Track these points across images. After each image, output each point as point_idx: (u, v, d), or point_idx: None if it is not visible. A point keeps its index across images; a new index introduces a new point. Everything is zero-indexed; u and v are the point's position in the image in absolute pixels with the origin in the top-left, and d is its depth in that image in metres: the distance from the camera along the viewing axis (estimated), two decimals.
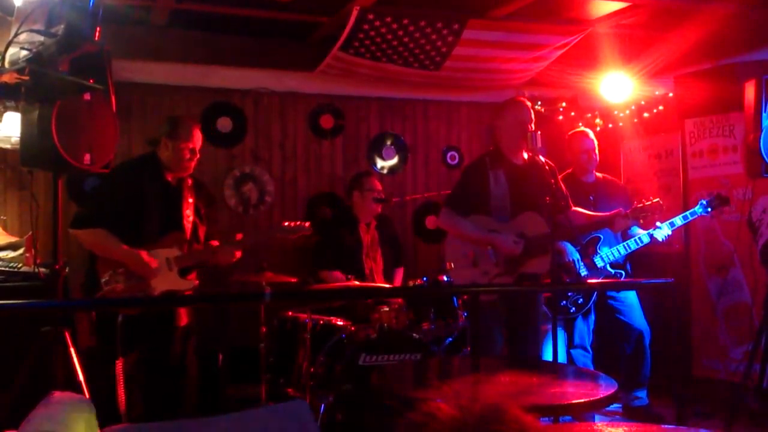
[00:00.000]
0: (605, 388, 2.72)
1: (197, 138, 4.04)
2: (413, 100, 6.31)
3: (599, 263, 4.80)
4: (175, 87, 5.62)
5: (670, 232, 4.74)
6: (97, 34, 2.68)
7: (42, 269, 3.77)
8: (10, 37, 2.78)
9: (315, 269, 5.24)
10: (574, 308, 4.92)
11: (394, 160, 6.27)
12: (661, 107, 5.71)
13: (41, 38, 2.67)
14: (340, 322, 4.59)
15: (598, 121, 6.13)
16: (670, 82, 5.50)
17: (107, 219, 3.79)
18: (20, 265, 4.35)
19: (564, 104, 6.29)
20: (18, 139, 3.57)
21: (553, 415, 3.01)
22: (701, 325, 5.29)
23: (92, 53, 2.83)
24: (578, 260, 4.63)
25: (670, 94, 5.57)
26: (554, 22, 5.18)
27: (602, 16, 5.11)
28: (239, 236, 4.20)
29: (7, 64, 2.78)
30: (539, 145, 3.93)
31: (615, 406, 4.95)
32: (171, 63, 5.50)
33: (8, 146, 4.68)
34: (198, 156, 4.07)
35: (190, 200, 4.05)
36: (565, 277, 4.57)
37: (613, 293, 4.99)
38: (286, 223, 4.26)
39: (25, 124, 2.93)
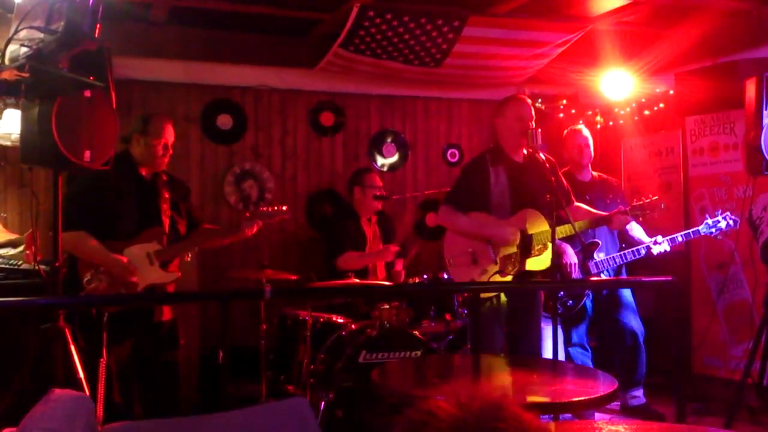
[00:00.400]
0: (605, 386, 2.72)
1: (169, 133, 4.05)
2: (414, 98, 6.30)
3: (594, 269, 4.80)
4: (175, 84, 5.62)
5: (668, 248, 4.75)
6: (97, 31, 2.68)
7: (42, 266, 3.77)
8: (10, 34, 2.78)
9: (331, 261, 5.19)
10: (562, 309, 4.90)
11: (395, 158, 6.27)
12: (661, 105, 5.70)
13: (41, 35, 2.67)
14: (340, 320, 4.59)
15: (598, 118, 6.12)
16: (670, 79, 5.50)
17: (86, 220, 3.77)
18: (20, 263, 4.35)
19: (564, 102, 6.28)
20: (18, 136, 3.57)
21: (553, 413, 3.01)
22: (701, 323, 5.29)
23: (92, 50, 2.83)
24: (576, 264, 4.62)
25: (671, 92, 5.57)
26: (555, 20, 5.17)
27: (603, 14, 5.10)
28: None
29: (7, 61, 2.77)
30: (540, 142, 3.94)
31: (614, 404, 4.95)
32: (171, 60, 5.50)
33: (8, 143, 4.69)
34: (171, 152, 4.08)
35: (166, 195, 4.06)
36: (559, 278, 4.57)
37: (608, 292, 4.98)
38: (264, 208, 4.27)
39: (25, 121, 2.92)
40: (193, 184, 5.60)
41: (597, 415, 4.56)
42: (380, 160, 6.21)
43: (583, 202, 4.80)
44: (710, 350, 5.25)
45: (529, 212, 4.10)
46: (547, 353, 4.70)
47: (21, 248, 4.43)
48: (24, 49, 2.71)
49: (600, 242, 4.81)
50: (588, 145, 5.07)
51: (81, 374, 2.83)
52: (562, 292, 4.78)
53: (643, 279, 5.11)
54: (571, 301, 4.90)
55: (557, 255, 4.17)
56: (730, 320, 5.16)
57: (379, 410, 4.07)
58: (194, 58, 5.56)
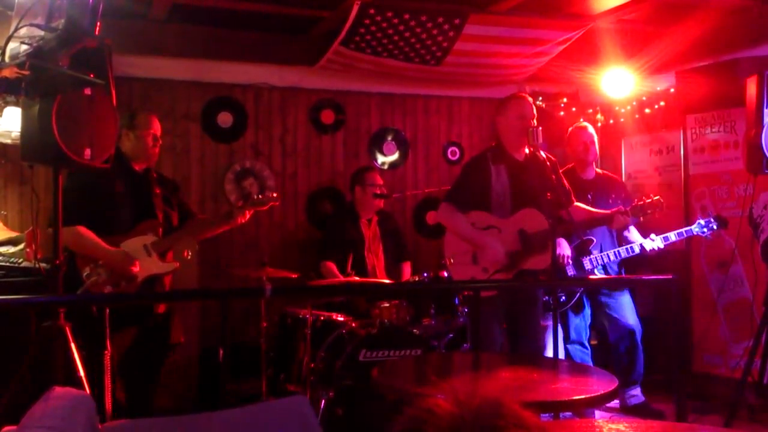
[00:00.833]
0: (605, 385, 2.72)
1: (156, 125, 4.18)
2: (414, 96, 6.30)
3: (587, 265, 4.79)
4: (175, 82, 5.62)
5: (662, 245, 4.74)
6: (97, 28, 2.68)
7: (42, 264, 3.77)
8: (11, 32, 2.77)
9: (317, 260, 5.26)
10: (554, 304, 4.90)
11: (395, 156, 6.26)
12: (662, 103, 5.69)
13: (41, 33, 2.66)
14: (340, 318, 4.59)
15: (599, 116, 6.12)
16: (671, 77, 5.50)
17: (83, 216, 3.82)
18: (21, 261, 4.35)
19: (565, 100, 6.28)
20: (18, 133, 3.58)
21: (553, 411, 3.01)
22: (702, 321, 5.30)
23: (92, 48, 2.83)
24: (569, 257, 4.63)
25: (672, 90, 5.57)
26: (556, 18, 5.16)
27: (604, 12, 5.09)
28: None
29: (7, 59, 2.77)
30: (540, 140, 3.93)
31: (614, 403, 4.95)
32: (171, 58, 5.49)
33: (8, 141, 4.69)
34: (160, 142, 4.21)
35: (157, 191, 4.17)
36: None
37: (606, 291, 4.98)
38: (256, 196, 4.36)
39: (26, 119, 2.92)
40: (193, 181, 5.61)
41: (597, 413, 4.56)
42: (381, 158, 6.21)
43: (585, 200, 4.80)
44: (711, 349, 5.25)
45: (529, 212, 4.10)
46: (548, 351, 4.70)
47: (21, 246, 4.43)
48: (24, 47, 2.71)
49: (594, 239, 4.81)
50: (593, 143, 5.07)
51: (81, 372, 2.83)
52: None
53: (643, 277, 5.11)
54: (564, 297, 4.90)
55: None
56: (731, 319, 5.16)
57: (380, 408, 4.07)
58: (195, 56, 5.55)
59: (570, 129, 5.26)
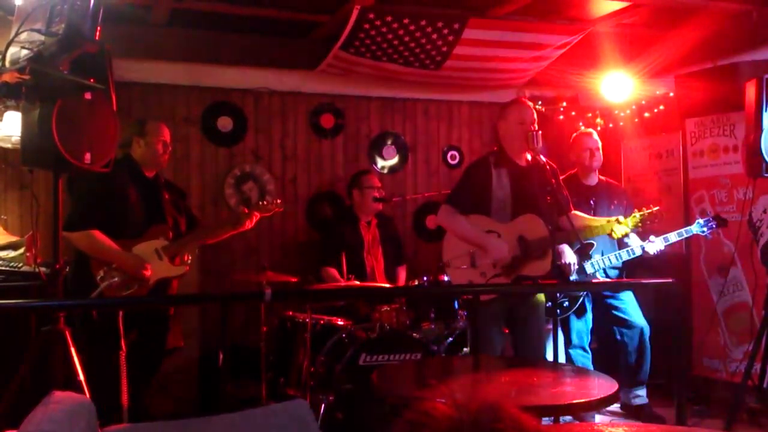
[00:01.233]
0: (605, 388, 2.72)
1: (166, 132, 4.31)
2: (414, 100, 6.31)
3: (589, 269, 4.79)
4: (175, 86, 5.63)
5: (662, 247, 4.74)
6: (97, 33, 2.69)
7: (42, 269, 3.78)
8: (11, 37, 2.78)
9: (318, 266, 5.26)
10: (559, 311, 4.90)
11: (395, 160, 6.27)
12: (661, 107, 5.70)
13: (42, 37, 2.67)
14: (340, 322, 4.59)
15: (598, 120, 6.13)
16: (670, 81, 5.50)
17: (97, 219, 3.95)
18: (21, 265, 4.35)
19: (564, 104, 6.29)
20: (19, 138, 3.58)
21: (553, 415, 3.01)
22: (702, 325, 5.29)
23: (93, 52, 2.83)
24: (574, 264, 4.63)
25: (671, 94, 5.57)
26: (555, 22, 5.18)
27: (603, 16, 5.11)
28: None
29: (7, 64, 2.78)
30: (539, 144, 3.93)
31: (615, 406, 4.94)
32: (171, 62, 5.51)
33: (9, 145, 4.69)
34: (170, 149, 4.33)
35: (167, 196, 4.29)
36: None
37: (610, 293, 4.98)
38: (261, 202, 4.47)
39: (26, 124, 2.93)
40: (193, 186, 5.61)
41: (597, 417, 4.56)
42: (380, 163, 6.22)
43: (587, 206, 4.81)
44: (710, 352, 5.25)
45: (530, 217, 4.10)
46: (549, 355, 4.69)
47: (21, 250, 4.43)
48: (25, 52, 2.72)
49: (595, 243, 4.82)
50: (599, 149, 5.06)
51: (81, 377, 2.83)
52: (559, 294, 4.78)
53: (644, 281, 5.11)
54: (567, 302, 4.90)
55: (556, 255, 4.18)
56: (731, 322, 5.15)
57: (379, 412, 4.07)
58: (194, 61, 5.56)
59: (574, 135, 5.26)
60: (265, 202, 4.43)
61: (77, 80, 2.81)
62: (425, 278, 4.78)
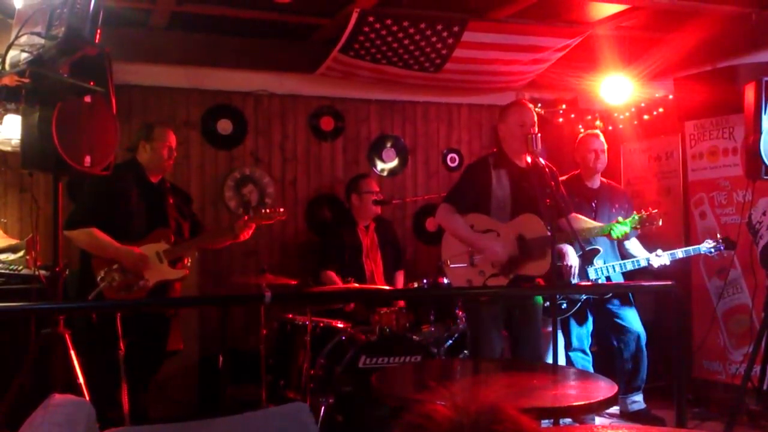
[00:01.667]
0: (605, 391, 2.72)
1: (172, 138, 4.36)
2: (413, 102, 6.31)
3: (592, 275, 4.79)
4: (175, 89, 5.63)
5: (668, 262, 4.77)
6: (97, 36, 2.69)
7: (42, 272, 3.78)
8: (11, 40, 2.78)
9: (317, 269, 5.27)
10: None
11: (394, 162, 6.27)
12: (661, 109, 5.70)
13: (42, 41, 2.67)
14: (340, 325, 4.59)
15: (598, 123, 6.13)
16: (670, 84, 5.50)
17: (97, 219, 4.01)
18: (20, 268, 4.35)
19: (564, 106, 6.29)
20: (18, 141, 3.57)
21: (553, 417, 3.01)
22: (701, 328, 5.29)
23: (93, 55, 2.84)
24: (576, 267, 4.62)
25: (670, 96, 5.57)
26: (554, 24, 5.18)
27: (602, 19, 5.11)
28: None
29: (7, 67, 2.78)
30: (539, 146, 3.94)
31: (614, 408, 4.94)
32: (171, 65, 5.51)
33: (9, 148, 4.68)
34: (175, 154, 4.39)
35: (171, 200, 4.34)
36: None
37: (611, 296, 4.98)
38: (263, 210, 4.50)
39: (26, 127, 2.93)
40: (193, 188, 5.61)
41: (597, 419, 4.56)
42: (380, 165, 6.22)
43: (589, 208, 4.81)
44: (710, 355, 5.25)
45: (529, 217, 4.10)
46: (549, 357, 4.69)
47: (21, 253, 4.44)
48: (25, 55, 2.72)
49: (601, 249, 4.81)
50: (604, 151, 5.04)
51: (81, 379, 2.83)
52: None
53: (643, 284, 5.11)
54: (565, 304, 4.89)
55: (558, 257, 4.18)
56: (730, 325, 5.15)
57: (379, 415, 4.06)
58: (194, 64, 5.57)
59: (580, 135, 5.25)
60: (267, 210, 4.46)
61: (77, 83, 2.82)
62: (425, 281, 4.78)
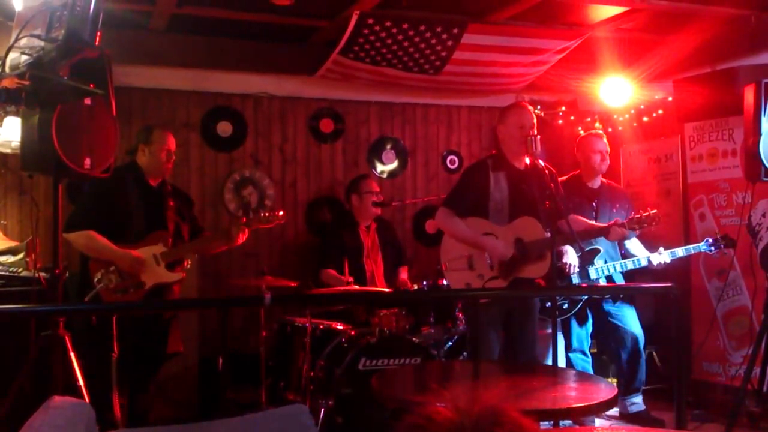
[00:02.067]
0: (605, 393, 2.72)
1: (171, 141, 4.37)
2: (413, 104, 6.32)
3: (593, 275, 4.80)
4: (175, 91, 5.64)
5: (668, 260, 4.77)
6: (97, 39, 2.69)
7: (42, 274, 3.78)
8: (11, 42, 2.79)
9: (317, 269, 5.26)
10: (557, 313, 4.89)
11: (394, 164, 6.27)
12: (660, 111, 5.71)
13: (42, 43, 2.67)
14: (340, 327, 4.59)
15: (597, 125, 6.13)
16: (669, 86, 5.51)
17: (95, 221, 4.02)
18: (20, 270, 4.36)
19: (563, 108, 6.30)
20: (18, 143, 3.58)
21: (552, 419, 3.01)
22: (701, 329, 5.29)
23: (92, 58, 2.84)
24: (575, 266, 4.62)
25: (670, 98, 5.58)
26: (554, 27, 5.19)
27: (601, 21, 5.11)
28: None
29: (7, 69, 2.78)
30: (538, 148, 3.94)
31: (614, 410, 4.94)
32: (171, 67, 5.51)
33: (9, 151, 4.69)
34: (174, 158, 4.38)
35: (171, 203, 4.34)
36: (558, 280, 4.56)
37: (610, 300, 4.98)
38: (263, 213, 4.49)
39: (26, 129, 2.94)
40: (193, 191, 5.61)
41: (597, 421, 4.56)
42: (380, 167, 6.22)
43: (590, 208, 4.81)
44: (710, 356, 5.25)
45: (527, 220, 4.10)
46: (548, 359, 4.69)
47: (21, 255, 4.44)
48: (24, 57, 2.72)
49: (601, 249, 4.81)
50: (608, 152, 5.05)
51: (80, 381, 2.83)
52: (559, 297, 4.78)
53: (643, 285, 5.11)
54: (567, 304, 4.90)
55: (557, 256, 4.18)
56: (730, 326, 5.15)
57: (379, 417, 4.06)
58: (194, 66, 5.57)
59: (583, 135, 5.26)
60: (267, 214, 4.45)
61: (77, 86, 2.82)
62: (425, 282, 4.78)
